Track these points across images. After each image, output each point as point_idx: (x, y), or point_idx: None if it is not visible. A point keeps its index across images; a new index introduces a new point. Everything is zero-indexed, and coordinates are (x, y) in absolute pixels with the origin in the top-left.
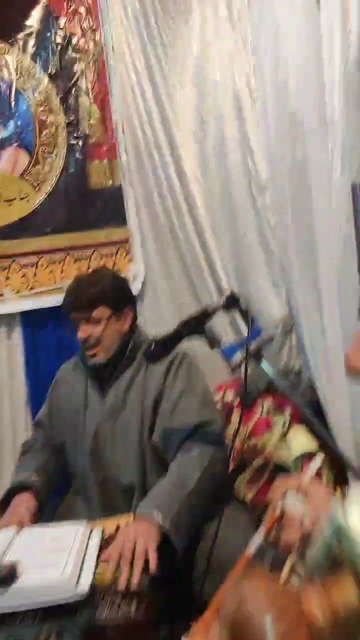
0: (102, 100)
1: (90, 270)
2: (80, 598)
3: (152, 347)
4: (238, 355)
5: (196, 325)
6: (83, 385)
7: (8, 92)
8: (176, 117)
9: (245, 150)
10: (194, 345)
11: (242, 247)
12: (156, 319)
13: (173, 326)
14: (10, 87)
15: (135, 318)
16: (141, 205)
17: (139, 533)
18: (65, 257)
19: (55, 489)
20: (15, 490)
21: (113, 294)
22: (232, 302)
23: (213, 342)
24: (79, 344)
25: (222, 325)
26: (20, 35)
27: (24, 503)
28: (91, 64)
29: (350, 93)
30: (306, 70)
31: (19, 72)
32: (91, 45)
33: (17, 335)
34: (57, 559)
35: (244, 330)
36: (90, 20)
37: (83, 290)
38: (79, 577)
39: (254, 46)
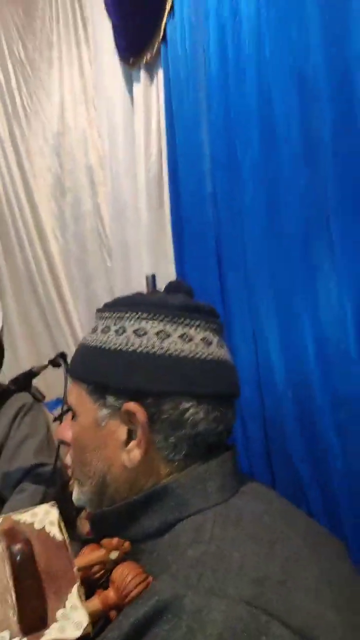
0: None
1: None
2: None
3: None
4: (58, 409)
5: (24, 382)
6: None
7: None
8: (36, 181)
9: (97, 218)
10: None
11: (94, 301)
12: (15, 363)
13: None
14: None
15: None
16: (1, 258)
17: None
18: None
19: None
20: None
21: None
22: (58, 361)
23: (37, 397)
24: None
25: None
26: None
27: None
28: None
29: (152, 193)
30: (125, 164)
31: None
32: None
33: None
34: None
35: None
36: None
37: None
38: None
39: (99, 129)
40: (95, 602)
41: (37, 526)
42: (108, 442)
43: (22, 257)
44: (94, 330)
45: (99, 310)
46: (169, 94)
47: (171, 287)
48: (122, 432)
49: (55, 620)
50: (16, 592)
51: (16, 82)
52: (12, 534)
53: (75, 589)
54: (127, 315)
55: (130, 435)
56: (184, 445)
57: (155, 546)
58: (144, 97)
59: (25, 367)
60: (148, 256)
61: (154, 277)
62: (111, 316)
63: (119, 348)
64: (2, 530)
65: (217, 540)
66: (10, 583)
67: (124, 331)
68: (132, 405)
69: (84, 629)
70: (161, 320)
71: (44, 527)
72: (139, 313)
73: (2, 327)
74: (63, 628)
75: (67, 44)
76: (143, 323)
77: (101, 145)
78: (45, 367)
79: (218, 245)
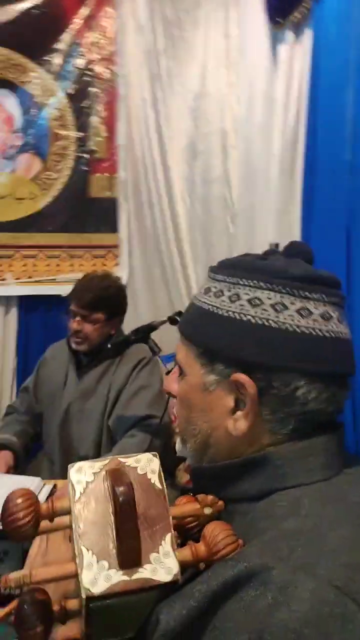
0: (110, 122)
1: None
2: None
3: (109, 347)
4: (171, 364)
5: (143, 334)
6: (65, 366)
7: (30, 106)
8: (172, 144)
9: (225, 183)
10: None
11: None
12: (134, 316)
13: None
14: (33, 101)
15: (121, 323)
16: (132, 217)
17: None
18: (61, 253)
19: (31, 450)
20: None
21: (113, 304)
22: (176, 320)
23: (154, 350)
24: (69, 330)
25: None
26: (48, 57)
27: (3, 456)
28: (104, 89)
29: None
30: (261, 128)
31: (42, 89)
32: (107, 73)
33: (13, 315)
34: None
35: None
36: (109, 50)
37: (91, 291)
38: None
39: (238, 93)
40: (186, 553)
41: (139, 472)
42: (214, 407)
43: (150, 216)
44: (207, 291)
45: (212, 271)
46: (317, 55)
47: (291, 250)
48: (229, 400)
49: (148, 562)
50: (116, 528)
51: (163, 44)
52: (118, 475)
53: (169, 536)
54: (243, 282)
55: (238, 404)
56: (291, 421)
57: (249, 509)
58: (289, 59)
59: (144, 321)
60: (273, 224)
61: (277, 246)
62: (225, 280)
63: (232, 315)
64: (109, 470)
65: (314, 517)
66: (112, 519)
67: (238, 298)
68: (241, 377)
69: (174, 575)
70: (279, 292)
71: (145, 474)
72: (256, 282)
73: (127, 282)
74: (155, 571)
75: (214, 4)
76: (259, 292)
77: (238, 109)
78: (164, 322)
79: (349, 218)
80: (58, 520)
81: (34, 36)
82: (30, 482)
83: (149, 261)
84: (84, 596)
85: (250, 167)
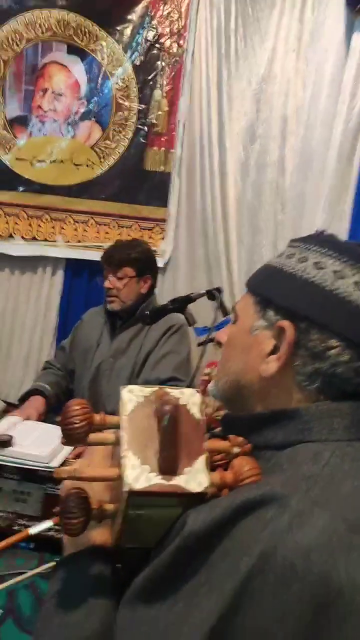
0: (172, 97)
1: (129, 237)
2: (49, 471)
3: (147, 314)
4: (204, 337)
5: (181, 304)
6: (100, 327)
7: (97, 74)
8: (231, 125)
9: (279, 169)
10: None
11: (257, 252)
12: (172, 291)
13: None
14: (99, 69)
15: (153, 285)
16: (183, 194)
17: None
18: (111, 222)
19: (62, 402)
20: (31, 393)
21: (140, 260)
22: (214, 295)
23: (189, 321)
24: (105, 292)
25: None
26: (119, 26)
27: (34, 403)
28: (170, 63)
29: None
30: (323, 114)
31: (110, 58)
32: (175, 47)
33: (59, 277)
34: (42, 443)
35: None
36: (179, 25)
37: (118, 252)
38: (52, 459)
39: (305, 78)
40: (215, 476)
41: (181, 402)
42: (253, 349)
43: (201, 196)
44: (281, 254)
45: (292, 240)
46: None
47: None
48: (268, 344)
49: (183, 474)
50: (160, 439)
51: (235, 24)
52: (165, 398)
53: (203, 457)
54: (314, 248)
55: (274, 351)
56: (319, 379)
57: (273, 456)
58: None
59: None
60: (323, 211)
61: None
62: (300, 246)
63: (295, 273)
64: (158, 393)
65: (332, 467)
66: (157, 433)
67: (305, 260)
68: (286, 323)
69: (204, 488)
70: (343, 262)
71: (186, 405)
72: (325, 250)
73: (170, 256)
74: (187, 481)
75: None
76: (325, 259)
77: (302, 95)
78: (202, 295)
79: None
80: (105, 435)
81: (108, 5)
82: (58, 432)
83: (193, 239)
84: (126, 489)
85: (306, 155)
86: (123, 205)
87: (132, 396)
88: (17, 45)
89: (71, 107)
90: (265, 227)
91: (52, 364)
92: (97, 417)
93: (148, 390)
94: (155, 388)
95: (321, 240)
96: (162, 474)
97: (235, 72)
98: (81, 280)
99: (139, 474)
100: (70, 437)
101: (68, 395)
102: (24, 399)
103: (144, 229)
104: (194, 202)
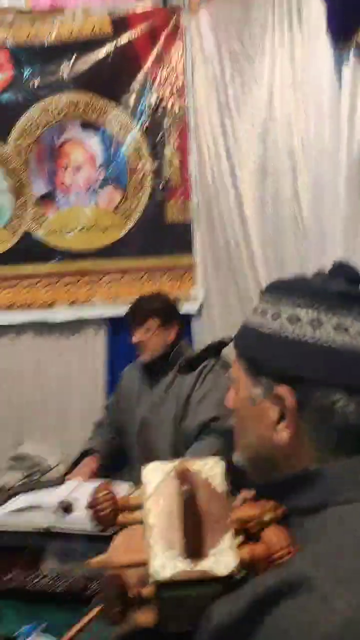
0: (182, 151)
1: (160, 289)
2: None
3: (183, 363)
4: None
5: (215, 350)
6: (138, 382)
7: (109, 143)
8: (241, 167)
9: (295, 203)
10: None
11: None
12: (210, 337)
13: None
14: (112, 139)
15: (180, 332)
16: (206, 239)
17: None
18: (143, 276)
19: (117, 459)
20: (84, 454)
21: (162, 310)
22: None
23: (225, 365)
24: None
25: None
26: (124, 96)
27: (88, 463)
28: (175, 121)
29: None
30: (329, 147)
31: (120, 127)
32: (177, 106)
33: (102, 336)
34: None
35: None
36: (178, 85)
37: (140, 306)
38: None
39: (306, 112)
40: (244, 552)
41: (203, 475)
42: (262, 419)
43: (223, 238)
44: (255, 310)
45: (261, 292)
46: None
47: (335, 270)
48: (274, 412)
49: (208, 556)
50: (184, 521)
51: (230, 74)
52: (184, 474)
53: (229, 534)
54: (283, 300)
55: (282, 418)
56: (334, 436)
57: (303, 522)
58: (352, 79)
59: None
60: (342, 243)
61: (340, 265)
62: (270, 300)
63: (273, 333)
64: (177, 470)
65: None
66: (181, 513)
67: (279, 317)
68: (281, 390)
69: (232, 569)
70: (316, 309)
71: (207, 478)
72: (295, 299)
73: (203, 301)
74: (214, 564)
75: (280, 29)
76: (297, 310)
77: (305, 127)
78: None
79: None
80: (135, 515)
81: (112, 79)
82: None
83: (223, 281)
84: (151, 580)
85: (319, 186)
86: (151, 259)
87: (153, 476)
88: (35, 131)
89: (91, 177)
90: (290, 260)
91: (102, 423)
92: (122, 500)
93: (169, 466)
94: (176, 463)
95: (285, 289)
96: (188, 558)
97: (238, 118)
98: (124, 337)
99: (164, 562)
100: (98, 521)
101: (121, 451)
102: (77, 462)
103: (173, 279)
104: (218, 245)
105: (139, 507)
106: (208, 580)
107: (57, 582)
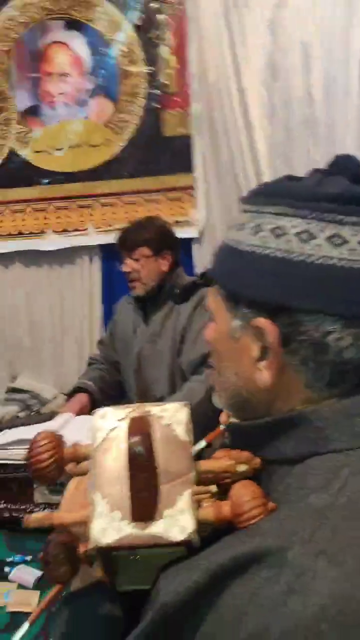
0: (180, 51)
1: (155, 213)
2: None
3: (179, 292)
4: None
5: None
6: (133, 315)
7: (98, 44)
8: (248, 66)
9: (307, 102)
10: None
11: None
12: (210, 256)
13: None
14: (100, 39)
15: (175, 262)
16: (208, 154)
17: None
18: (138, 199)
19: (111, 396)
20: (76, 390)
21: (155, 238)
22: None
23: None
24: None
25: None
26: None
27: (79, 399)
28: (173, 13)
29: None
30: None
31: (108, 24)
32: None
33: (96, 265)
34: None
35: None
36: None
37: (130, 233)
38: None
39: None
40: (208, 512)
41: (164, 422)
42: (242, 357)
43: (227, 151)
44: (232, 224)
45: (240, 201)
46: None
47: (334, 167)
48: (255, 348)
49: (162, 518)
50: (131, 478)
51: None
52: (137, 423)
53: (187, 493)
54: (266, 210)
55: (264, 353)
56: (327, 372)
57: (285, 473)
58: None
59: None
60: (354, 141)
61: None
62: (250, 209)
63: (252, 250)
64: (131, 418)
65: (350, 493)
66: (126, 472)
67: (260, 230)
68: (261, 322)
69: (187, 535)
70: (304, 217)
71: (170, 425)
72: (280, 207)
73: (205, 224)
74: (167, 528)
75: None
76: (283, 220)
77: (321, 15)
78: None
79: None
80: (83, 466)
81: None
82: None
83: (227, 200)
84: (91, 546)
85: (330, 81)
86: (147, 179)
87: (103, 423)
88: (15, 32)
89: (78, 85)
90: (302, 169)
91: (96, 359)
92: (68, 451)
93: (122, 412)
94: (132, 408)
95: (268, 194)
96: (135, 522)
97: (245, 6)
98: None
99: (108, 524)
100: (37, 476)
101: (117, 387)
102: (69, 397)
103: (173, 200)
104: (221, 160)
105: (88, 457)
106: (162, 545)
107: None
